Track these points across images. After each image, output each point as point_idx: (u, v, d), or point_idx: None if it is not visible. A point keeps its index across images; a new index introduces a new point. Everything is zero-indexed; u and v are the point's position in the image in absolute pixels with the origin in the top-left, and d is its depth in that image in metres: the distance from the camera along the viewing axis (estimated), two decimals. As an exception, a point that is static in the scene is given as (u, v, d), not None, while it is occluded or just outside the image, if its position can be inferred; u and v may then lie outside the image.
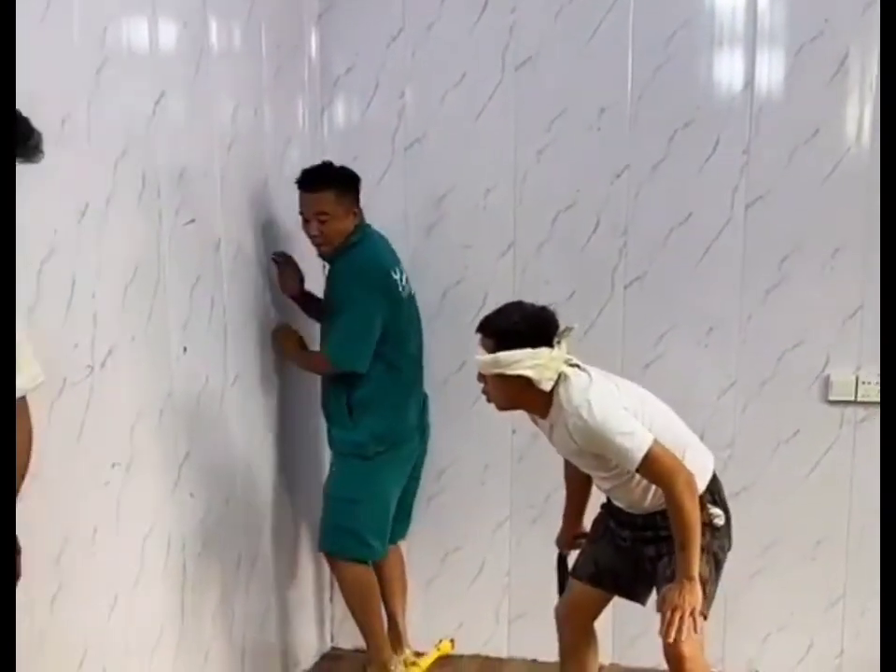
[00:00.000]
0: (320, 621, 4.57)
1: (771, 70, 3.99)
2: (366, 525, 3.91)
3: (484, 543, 4.47)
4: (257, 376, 3.85)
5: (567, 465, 3.49)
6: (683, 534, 3.00)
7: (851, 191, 3.91)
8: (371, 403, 3.86)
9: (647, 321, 4.16)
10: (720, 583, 3.22)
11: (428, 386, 4.24)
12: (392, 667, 4.03)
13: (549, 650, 4.39)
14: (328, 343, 3.80)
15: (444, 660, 4.44)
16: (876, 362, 3.81)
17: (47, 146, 1.87)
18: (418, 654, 4.25)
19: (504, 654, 4.50)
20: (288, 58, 4.08)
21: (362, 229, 3.81)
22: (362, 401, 3.86)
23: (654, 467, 2.99)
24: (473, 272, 4.30)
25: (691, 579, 3.01)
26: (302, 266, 3.97)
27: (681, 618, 2.99)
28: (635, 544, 3.29)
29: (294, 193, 3.77)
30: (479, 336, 3.07)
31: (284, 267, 3.93)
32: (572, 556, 3.59)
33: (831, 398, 4.08)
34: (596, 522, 3.46)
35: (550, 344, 3.03)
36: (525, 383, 3.02)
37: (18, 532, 2.06)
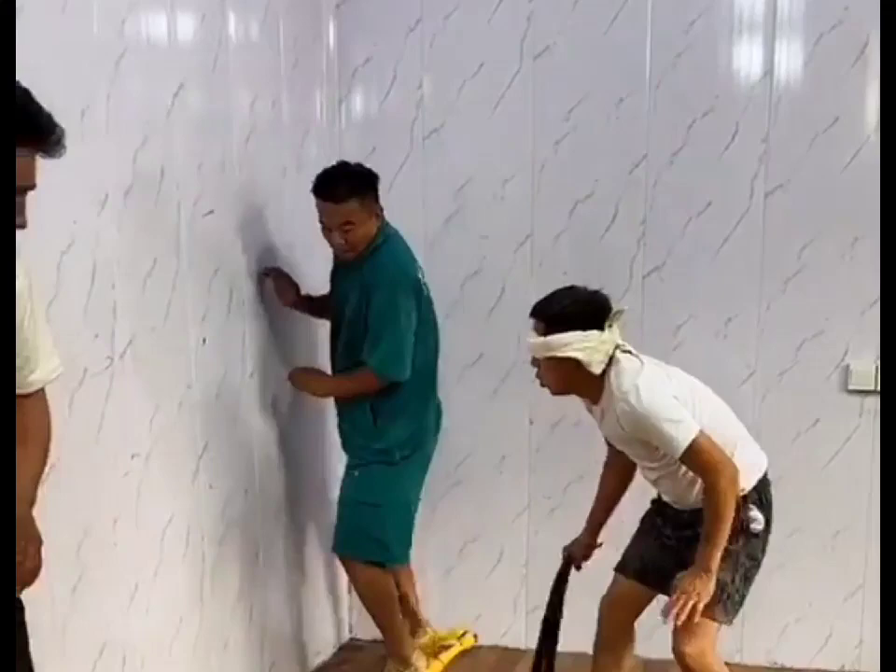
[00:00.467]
0: (339, 611, 4.58)
1: (790, 58, 3.97)
2: (389, 531, 3.84)
3: (502, 534, 4.47)
4: (275, 368, 3.85)
5: (607, 466, 3.46)
6: (711, 527, 3.01)
7: (871, 180, 3.87)
8: (396, 410, 3.76)
9: (665, 311, 4.15)
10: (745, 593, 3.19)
11: (446, 377, 4.24)
12: (413, 660, 4.02)
13: (567, 640, 4.39)
14: (371, 355, 3.64)
15: (464, 651, 4.44)
16: (897, 352, 3.79)
17: (67, 136, 1.87)
18: (441, 638, 4.23)
19: (522, 645, 4.49)
20: (306, 49, 4.08)
21: (383, 230, 3.69)
22: (388, 409, 3.75)
23: (698, 458, 2.98)
24: (491, 262, 4.30)
25: (707, 570, 3.01)
26: (306, 267, 3.95)
27: (684, 604, 3.00)
28: (679, 544, 3.25)
29: (310, 186, 3.77)
30: (532, 320, 3.11)
31: (276, 280, 3.81)
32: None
33: (850, 387, 4.07)
34: (645, 517, 3.43)
35: (601, 328, 3.04)
36: (576, 366, 3.04)
37: (38, 523, 2.06)
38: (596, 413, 3.22)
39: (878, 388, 3.99)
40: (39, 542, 1.93)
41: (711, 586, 3.02)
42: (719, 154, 4.04)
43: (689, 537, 3.18)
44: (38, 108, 1.82)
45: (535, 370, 3.19)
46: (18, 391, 2.02)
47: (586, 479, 4.18)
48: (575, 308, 3.08)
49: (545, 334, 3.06)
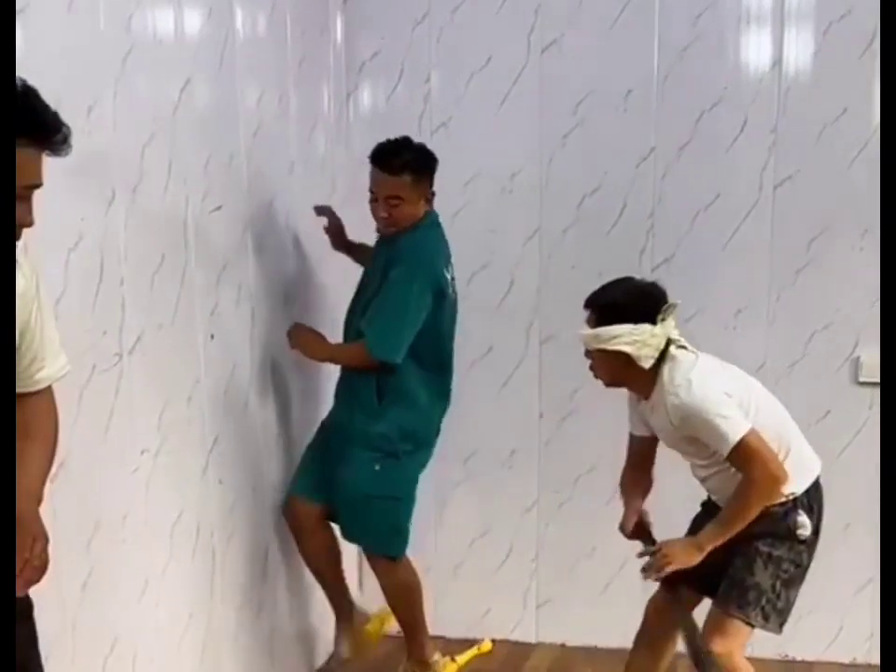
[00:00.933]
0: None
1: (799, 49, 3.96)
2: (406, 523, 3.81)
3: (512, 528, 4.47)
4: (284, 363, 3.85)
5: (629, 469, 3.41)
6: (728, 516, 3.02)
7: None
8: (402, 394, 3.66)
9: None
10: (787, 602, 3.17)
11: (456, 371, 4.24)
12: (432, 662, 3.97)
13: (577, 634, 4.42)
14: (369, 327, 3.56)
15: (470, 645, 4.41)
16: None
17: (73, 133, 1.87)
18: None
19: (532, 639, 4.50)
20: (314, 44, 4.07)
21: (429, 216, 3.64)
22: (394, 389, 3.65)
23: (746, 455, 2.94)
24: (499, 256, 4.29)
25: (699, 547, 3.04)
26: (315, 261, 3.96)
27: (658, 561, 3.06)
28: (728, 545, 3.17)
29: (321, 179, 3.77)
30: (586, 311, 3.10)
31: (332, 221, 3.85)
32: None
33: (861, 379, 4.06)
34: (695, 520, 3.36)
35: (653, 321, 3.01)
36: (626, 359, 3.02)
37: (46, 519, 2.06)
38: (646, 409, 3.19)
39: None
40: (46, 540, 1.93)
41: (695, 559, 3.04)
42: (727, 146, 4.03)
43: (734, 537, 3.13)
44: (44, 107, 1.81)
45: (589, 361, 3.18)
46: (25, 389, 2.02)
47: (596, 472, 4.20)
48: (627, 300, 3.05)
49: (596, 326, 3.04)
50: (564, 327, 4.22)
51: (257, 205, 3.66)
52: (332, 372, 3.99)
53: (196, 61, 3.24)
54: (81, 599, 2.77)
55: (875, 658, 4.15)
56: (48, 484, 2.15)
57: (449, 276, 3.67)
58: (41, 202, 1.93)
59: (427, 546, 4.47)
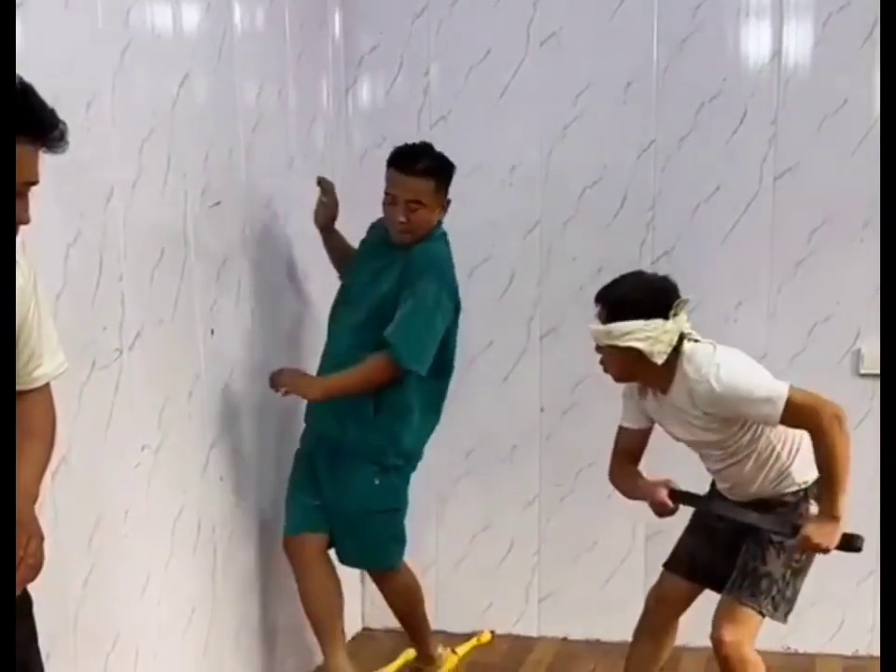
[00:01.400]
0: (352, 602, 4.57)
1: (799, 40, 3.95)
2: (405, 531, 3.76)
3: (513, 522, 4.46)
4: (284, 357, 3.85)
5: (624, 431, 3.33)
6: (829, 469, 2.96)
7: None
8: (399, 408, 3.54)
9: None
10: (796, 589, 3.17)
11: (456, 365, 4.23)
12: (436, 656, 3.99)
13: (579, 628, 4.41)
14: (396, 337, 3.38)
15: (472, 638, 4.45)
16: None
17: (72, 130, 1.86)
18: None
19: (534, 633, 4.50)
20: (312, 38, 4.06)
21: (440, 227, 3.59)
22: (392, 401, 3.52)
23: (798, 413, 2.91)
24: (500, 249, 4.29)
25: (833, 518, 2.97)
26: (314, 256, 3.90)
27: (807, 545, 2.98)
28: (733, 535, 3.20)
29: (321, 173, 3.76)
30: (596, 306, 3.04)
31: (326, 195, 3.71)
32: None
33: (862, 371, 4.05)
34: (696, 513, 3.35)
35: (665, 316, 2.97)
36: (639, 355, 2.97)
37: (47, 516, 2.06)
38: (652, 403, 3.17)
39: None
40: (41, 538, 1.93)
41: (838, 535, 2.98)
42: (727, 138, 4.03)
43: (745, 526, 3.15)
44: (40, 103, 1.81)
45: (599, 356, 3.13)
46: (23, 387, 2.02)
47: (597, 466, 4.16)
48: (638, 295, 3.00)
49: (606, 321, 2.99)
50: (565, 320, 4.22)
51: (256, 200, 3.65)
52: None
53: (194, 55, 3.24)
54: (83, 595, 2.77)
55: (878, 651, 4.15)
56: (48, 481, 2.14)
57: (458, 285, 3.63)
58: (40, 198, 1.93)
59: (428, 541, 4.47)
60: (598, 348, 3.09)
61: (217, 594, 3.47)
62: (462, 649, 4.18)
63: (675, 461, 3.29)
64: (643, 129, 4.08)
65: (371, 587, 4.13)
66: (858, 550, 3.06)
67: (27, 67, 1.88)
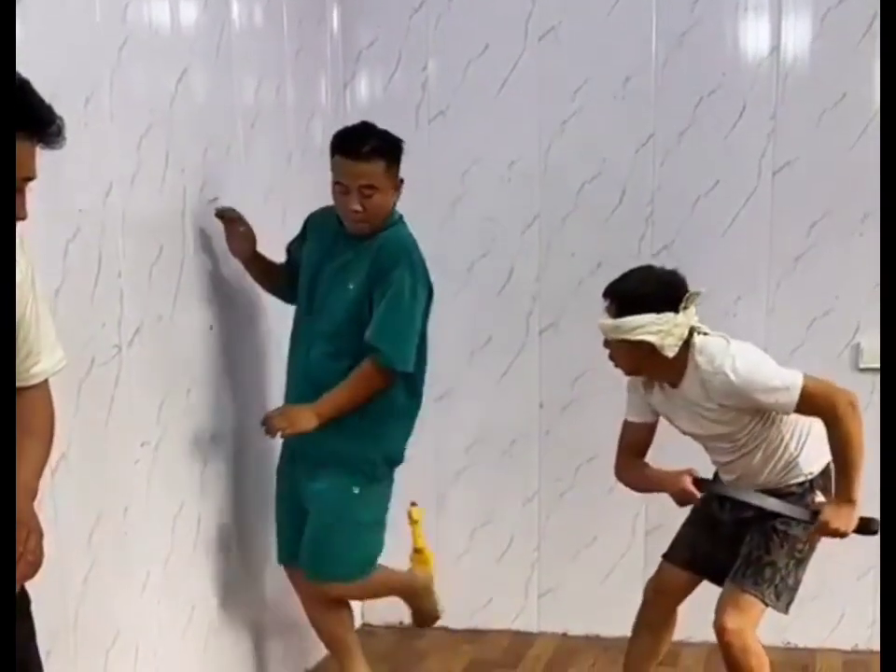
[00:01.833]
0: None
1: (797, 34, 3.95)
2: (381, 550, 3.51)
3: (513, 518, 4.46)
4: (284, 353, 3.84)
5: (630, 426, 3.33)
6: (845, 454, 2.99)
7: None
8: (385, 411, 3.31)
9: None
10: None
11: (455, 360, 4.24)
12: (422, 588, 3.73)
13: (579, 623, 4.41)
14: (380, 338, 3.18)
15: (472, 635, 4.44)
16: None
17: (70, 125, 1.86)
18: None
19: (534, 629, 4.49)
20: (311, 33, 4.06)
21: (397, 213, 3.37)
22: (377, 411, 3.29)
23: (813, 401, 2.95)
24: (499, 244, 4.28)
25: (848, 501, 2.99)
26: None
27: (826, 530, 3.01)
28: (736, 528, 3.21)
29: (319, 169, 3.74)
30: (605, 301, 3.04)
31: (232, 224, 3.36)
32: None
33: (861, 365, 4.05)
34: (697, 507, 3.34)
35: (675, 310, 2.97)
36: (650, 349, 2.97)
37: (47, 512, 2.06)
38: (659, 397, 3.17)
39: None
40: (40, 535, 1.93)
41: (855, 518, 3.01)
42: (726, 132, 4.02)
43: (749, 518, 3.16)
44: (38, 99, 1.80)
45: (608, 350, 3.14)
46: (21, 384, 2.01)
47: (597, 461, 4.19)
48: (648, 289, 3.00)
49: (616, 316, 2.99)
50: (564, 315, 4.22)
51: (254, 196, 3.64)
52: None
53: (193, 51, 3.24)
54: (83, 593, 2.77)
55: (877, 645, 4.15)
56: (48, 478, 2.14)
57: None
58: (39, 193, 1.92)
59: (428, 536, 4.46)
60: (607, 343, 3.10)
61: (218, 589, 3.47)
62: (417, 540, 3.78)
63: (679, 455, 3.29)
64: (642, 124, 4.08)
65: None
66: (874, 532, 3.05)
67: (25, 63, 1.88)
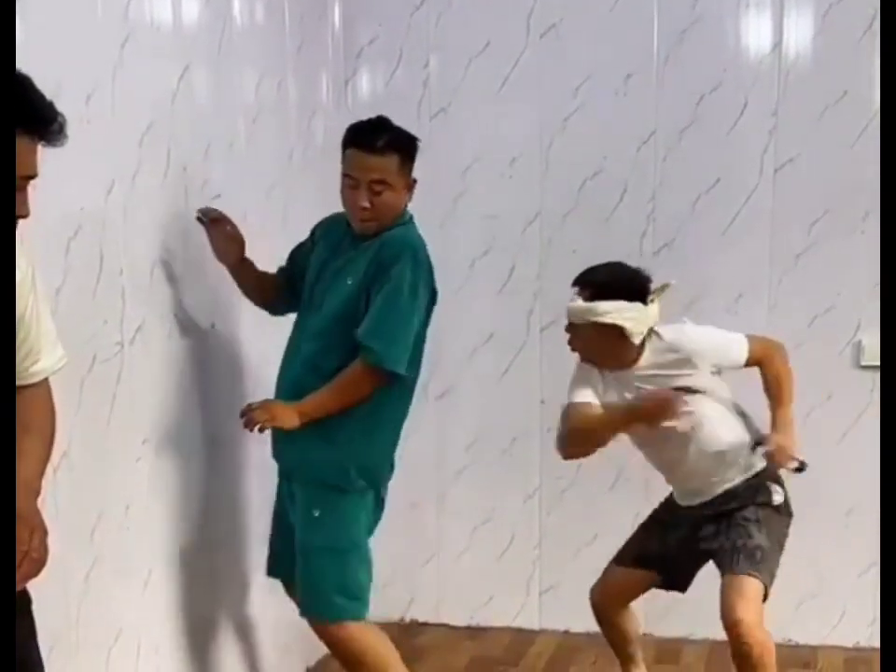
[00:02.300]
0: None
1: (799, 31, 3.95)
2: (364, 576, 3.18)
3: (514, 515, 4.46)
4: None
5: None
6: (783, 384, 3.23)
7: (882, 154, 3.86)
8: (366, 423, 3.07)
9: (675, 288, 4.12)
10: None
11: (455, 358, 4.24)
12: None
13: (580, 621, 4.39)
14: (371, 337, 2.96)
15: (473, 632, 4.45)
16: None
17: (72, 123, 1.85)
18: None
19: (536, 626, 4.49)
20: (312, 30, 4.05)
21: (408, 214, 3.18)
22: (357, 417, 3.04)
23: (757, 348, 3.20)
24: (500, 241, 4.28)
25: (791, 425, 3.18)
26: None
27: (783, 455, 3.11)
28: (691, 530, 3.27)
29: (320, 166, 3.75)
30: (575, 288, 3.17)
31: (215, 227, 3.18)
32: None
33: (863, 363, 4.05)
34: (651, 516, 3.45)
35: (644, 302, 3.11)
36: (619, 333, 3.10)
37: (49, 510, 2.06)
38: (626, 378, 3.20)
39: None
40: (44, 532, 1.92)
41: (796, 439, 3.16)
42: (728, 130, 4.02)
43: (709, 516, 3.23)
44: (39, 96, 1.80)
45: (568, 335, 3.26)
46: (21, 382, 2.01)
47: (598, 459, 4.17)
48: (621, 278, 3.16)
49: (590, 300, 3.11)
50: (565, 312, 4.20)
51: (256, 193, 3.64)
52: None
53: (194, 48, 3.24)
54: (85, 590, 2.77)
55: (878, 642, 4.15)
56: (50, 476, 2.14)
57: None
58: (40, 190, 1.92)
59: (429, 534, 4.47)
60: (569, 328, 3.22)
61: (220, 586, 3.47)
62: None
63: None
64: (643, 120, 4.07)
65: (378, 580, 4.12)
66: (803, 468, 3.15)
67: (26, 60, 1.88)
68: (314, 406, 3.01)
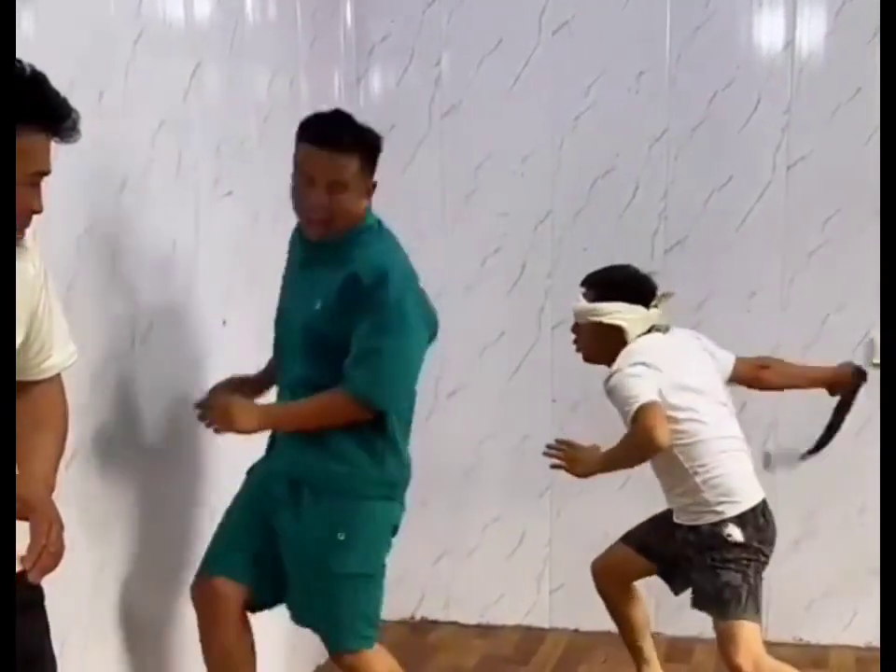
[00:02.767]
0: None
1: (812, 28, 3.94)
2: (379, 607, 2.99)
3: (525, 514, 4.45)
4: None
5: None
6: (611, 452, 3.16)
7: None
8: (392, 440, 2.87)
9: (688, 286, 4.09)
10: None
11: (467, 356, 4.23)
12: None
13: (591, 619, 4.39)
14: (358, 372, 2.71)
15: (483, 630, 4.45)
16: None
17: (84, 119, 1.85)
18: None
19: (546, 625, 4.49)
20: (324, 27, 4.05)
21: (372, 215, 2.86)
22: (386, 437, 2.84)
23: (638, 416, 2.99)
24: (511, 240, 4.27)
25: (601, 462, 3.20)
26: None
27: (560, 455, 3.26)
28: (681, 543, 3.26)
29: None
30: (582, 289, 3.25)
31: (243, 385, 2.97)
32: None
33: (875, 360, 4.02)
34: (664, 513, 3.41)
35: (646, 305, 3.19)
36: (618, 335, 3.17)
37: (60, 507, 2.06)
38: None
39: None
40: (61, 527, 1.92)
41: (588, 472, 3.22)
42: (740, 127, 4.02)
43: (691, 541, 3.21)
44: (54, 93, 1.80)
45: (573, 336, 3.33)
46: (33, 378, 2.01)
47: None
48: (626, 281, 3.25)
49: (594, 301, 3.20)
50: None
51: (268, 191, 3.63)
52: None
53: (206, 45, 3.24)
54: (96, 585, 2.77)
55: (891, 641, 4.14)
56: (62, 472, 2.14)
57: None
58: (52, 188, 1.92)
59: (439, 532, 4.47)
60: (576, 328, 3.30)
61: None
62: None
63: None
64: (655, 118, 4.07)
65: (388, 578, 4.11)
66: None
67: (40, 57, 1.87)
68: (284, 417, 2.85)
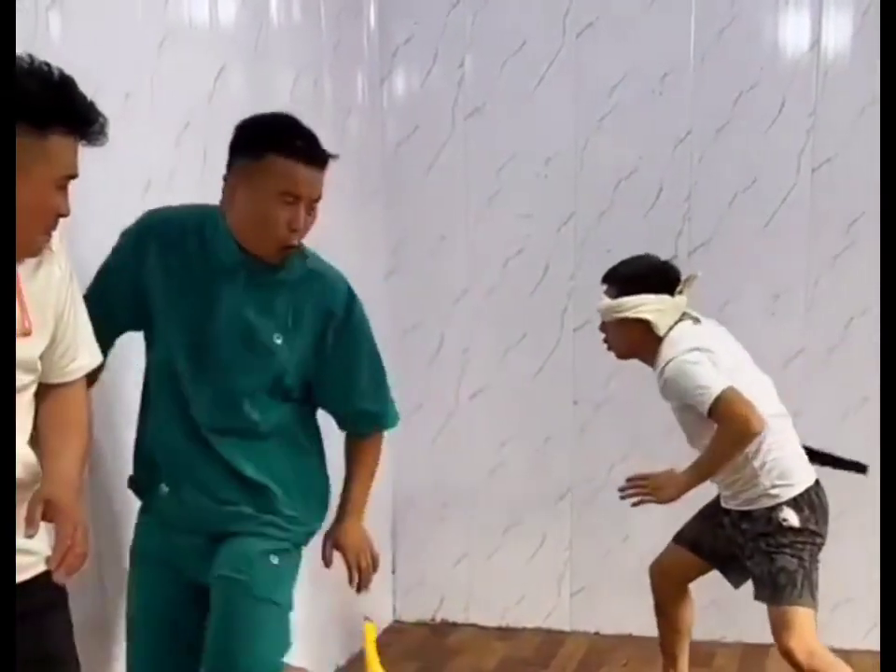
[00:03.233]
0: (383, 594, 4.57)
1: (838, 29, 3.92)
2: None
3: (546, 516, 4.45)
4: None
5: None
6: (705, 456, 3.06)
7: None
8: (317, 460, 2.71)
9: (712, 288, 4.07)
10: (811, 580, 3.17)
11: (489, 358, 4.23)
12: None
13: (611, 622, 4.40)
14: (378, 402, 2.65)
15: (504, 633, 4.44)
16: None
17: (110, 122, 1.86)
18: None
19: (566, 627, 4.48)
20: (348, 28, 4.05)
21: None
22: (307, 460, 2.67)
23: (722, 407, 2.94)
24: (534, 241, 4.27)
25: (686, 482, 3.08)
26: (343, 247, 3.84)
27: (639, 488, 3.15)
28: (732, 530, 3.24)
29: (355, 165, 3.74)
30: (604, 287, 3.21)
31: None
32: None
33: (900, 365, 4.01)
34: (710, 504, 3.40)
35: (671, 293, 3.13)
36: (646, 328, 3.12)
37: (82, 509, 2.06)
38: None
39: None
40: (86, 528, 1.93)
41: (676, 493, 3.10)
42: (765, 129, 4.00)
43: (743, 529, 3.18)
44: (81, 97, 1.81)
45: (602, 335, 3.30)
46: (58, 380, 2.02)
47: (631, 460, 4.17)
48: (646, 272, 3.18)
49: (616, 297, 3.15)
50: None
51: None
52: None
53: (231, 47, 3.25)
54: (119, 585, 2.77)
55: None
56: (85, 474, 2.14)
57: None
58: (78, 189, 1.93)
59: (460, 534, 4.47)
60: (603, 327, 3.26)
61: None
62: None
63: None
64: (679, 120, 4.06)
65: (403, 580, 4.11)
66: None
67: (66, 59, 1.88)
68: (361, 499, 2.74)
